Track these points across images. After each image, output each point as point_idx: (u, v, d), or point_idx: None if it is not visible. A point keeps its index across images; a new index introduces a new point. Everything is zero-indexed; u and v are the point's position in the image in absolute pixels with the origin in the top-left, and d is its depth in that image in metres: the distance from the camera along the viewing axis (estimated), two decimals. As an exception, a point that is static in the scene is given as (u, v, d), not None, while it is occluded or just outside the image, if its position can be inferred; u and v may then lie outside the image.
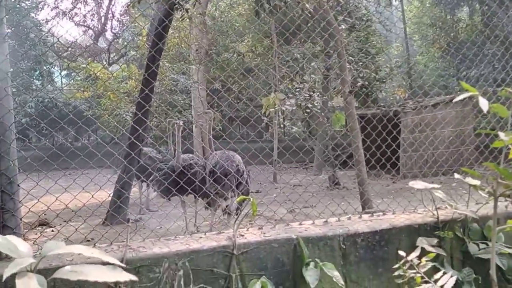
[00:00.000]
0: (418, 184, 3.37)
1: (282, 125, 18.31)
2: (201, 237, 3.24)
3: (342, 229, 3.40)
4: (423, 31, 24.78)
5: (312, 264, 3.07)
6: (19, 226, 3.03)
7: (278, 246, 3.16)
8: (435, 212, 3.63)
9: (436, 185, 3.40)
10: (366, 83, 11.54)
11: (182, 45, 14.50)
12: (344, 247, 3.31)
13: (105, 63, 26.85)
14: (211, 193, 5.38)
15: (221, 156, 5.51)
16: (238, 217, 3.26)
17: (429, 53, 24.67)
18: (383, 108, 14.21)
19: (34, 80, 27.15)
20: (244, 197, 3.13)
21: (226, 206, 5.27)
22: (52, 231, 7.74)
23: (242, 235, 3.23)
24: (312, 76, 13.26)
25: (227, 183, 5.22)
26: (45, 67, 26.83)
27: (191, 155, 7.68)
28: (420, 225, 3.57)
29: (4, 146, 2.99)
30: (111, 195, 8.27)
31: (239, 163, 5.42)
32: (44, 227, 8.03)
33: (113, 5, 32.93)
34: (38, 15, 28.45)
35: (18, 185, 2.99)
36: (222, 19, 16.45)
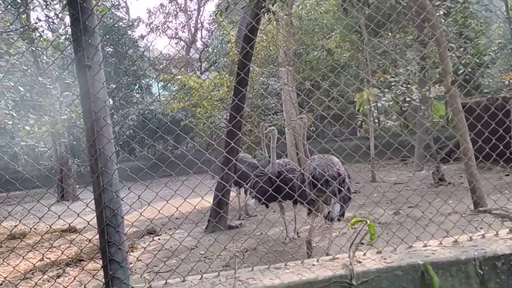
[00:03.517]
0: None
1: (376, 120, 17.65)
2: (313, 265, 3.02)
3: (477, 251, 2.98)
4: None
5: (445, 294, 2.73)
6: (125, 259, 2.87)
7: (402, 274, 2.84)
8: None
9: None
10: (469, 69, 10.66)
11: (270, 48, 14.50)
12: (481, 272, 2.88)
13: (198, 72, 27.86)
14: (311, 198, 5.22)
15: (320, 160, 5.31)
16: (354, 240, 3.00)
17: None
18: (488, 95, 13.04)
19: (134, 94, 28.94)
20: (360, 218, 2.88)
21: (328, 212, 5.06)
22: (159, 239, 8.12)
23: (360, 262, 2.96)
24: (408, 68, 12.57)
25: (328, 188, 5.04)
26: (143, 81, 28.50)
27: (286, 160, 7.59)
28: None
29: (107, 178, 2.82)
30: (212, 202, 8.48)
31: (339, 167, 5.20)
32: (152, 235, 8.47)
33: (201, 15, 34.18)
34: (134, 32, 30.45)
35: (122, 217, 2.84)
36: (308, 17, 16.21)
